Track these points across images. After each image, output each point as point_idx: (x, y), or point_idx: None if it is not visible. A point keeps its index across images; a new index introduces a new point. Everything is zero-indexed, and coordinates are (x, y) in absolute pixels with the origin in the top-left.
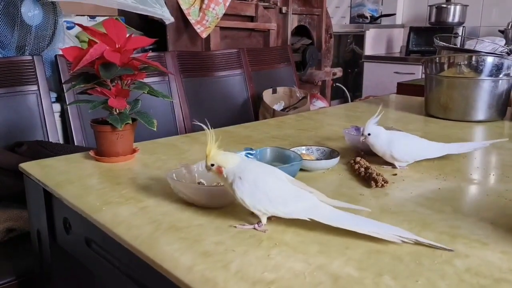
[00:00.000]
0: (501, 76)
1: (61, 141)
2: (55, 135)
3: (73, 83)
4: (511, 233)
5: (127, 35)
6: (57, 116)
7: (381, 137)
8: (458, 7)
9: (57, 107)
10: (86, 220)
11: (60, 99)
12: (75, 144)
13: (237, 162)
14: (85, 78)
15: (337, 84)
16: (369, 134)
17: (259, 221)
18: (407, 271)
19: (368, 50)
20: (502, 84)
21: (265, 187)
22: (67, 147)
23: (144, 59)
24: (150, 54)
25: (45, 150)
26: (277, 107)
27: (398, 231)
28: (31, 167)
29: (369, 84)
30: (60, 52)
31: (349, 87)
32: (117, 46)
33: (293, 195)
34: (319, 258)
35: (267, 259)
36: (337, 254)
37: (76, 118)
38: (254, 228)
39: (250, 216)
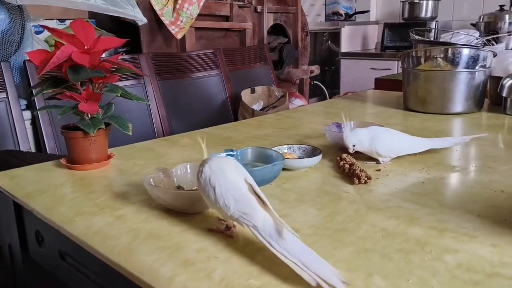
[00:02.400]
0: (477, 67)
1: (33, 150)
2: (26, 144)
3: (40, 88)
4: (499, 225)
5: (96, 36)
6: (28, 123)
7: (366, 139)
8: (430, 2)
9: (27, 114)
10: (58, 232)
11: (30, 106)
12: (48, 152)
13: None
14: (54, 82)
15: (314, 82)
16: (354, 146)
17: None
18: (397, 270)
19: (344, 47)
20: (479, 76)
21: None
22: (39, 155)
23: (116, 61)
24: (123, 56)
25: (15, 159)
26: (256, 106)
27: (326, 270)
28: None
29: (347, 81)
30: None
31: (326, 85)
32: (85, 48)
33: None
34: None
35: (251, 265)
36: (324, 256)
37: (48, 125)
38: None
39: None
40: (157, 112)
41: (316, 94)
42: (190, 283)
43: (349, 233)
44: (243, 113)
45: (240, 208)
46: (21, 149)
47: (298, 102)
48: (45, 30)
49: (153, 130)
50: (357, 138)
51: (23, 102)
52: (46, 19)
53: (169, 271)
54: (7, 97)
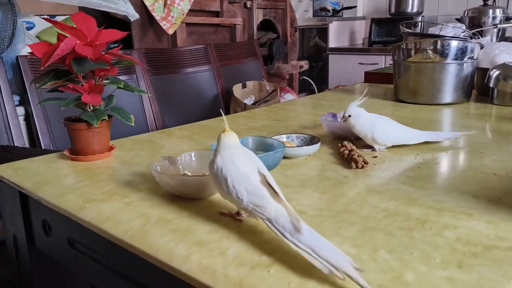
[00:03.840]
0: (465, 59)
1: (27, 146)
2: (21, 140)
3: (44, 80)
4: (493, 204)
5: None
6: (21, 119)
7: (363, 119)
8: None
9: (21, 110)
10: (68, 220)
11: (23, 102)
12: (42, 148)
13: None
14: (56, 74)
15: (303, 77)
16: (349, 116)
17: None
18: (401, 245)
19: (332, 43)
20: (467, 67)
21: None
22: (35, 151)
23: (118, 53)
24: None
25: (11, 155)
26: (248, 101)
27: (340, 258)
28: (2, 170)
29: (335, 76)
30: (21, 53)
31: (314, 80)
32: (88, 40)
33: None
34: None
35: (263, 244)
36: (331, 234)
37: (42, 121)
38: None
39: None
40: (150, 108)
41: (304, 89)
42: (205, 260)
43: (352, 213)
44: (235, 108)
45: (253, 200)
46: (16, 145)
47: (289, 96)
48: (36, 25)
49: (146, 125)
50: (357, 113)
51: (16, 98)
52: (36, 15)
53: (184, 251)
54: (0, 93)
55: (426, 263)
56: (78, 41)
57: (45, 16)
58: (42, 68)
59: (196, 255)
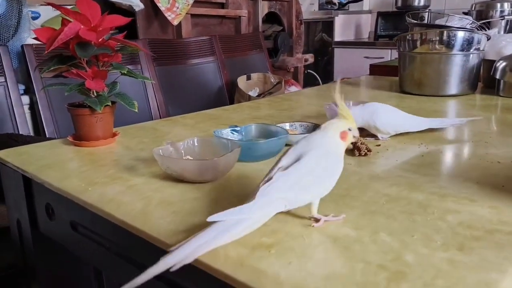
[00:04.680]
0: (471, 50)
1: (32, 134)
2: (25, 128)
3: (48, 65)
4: (497, 191)
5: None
6: (26, 108)
7: (361, 112)
8: None
9: (25, 99)
10: (71, 202)
11: (28, 91)
12: (47, 136)
13: None
14: (60, 59)
15: (308, 71)
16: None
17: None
18: (402, 228)
19: (337, 36)
20: (473, 58)
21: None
22: (40, 139)
23: (121, 39)
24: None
25: (16, 143)
26: (252, 93)
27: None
28: (7, 155)
29: (340, 70)
30: (27, 42)
31: (319, 75)
32: (92, 25)
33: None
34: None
35: (264, 226)
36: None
37: (47, 110)
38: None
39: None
40: (154, 98)
41: (309, 83)
42: None
43: (354, 198)
44: (239, 100)
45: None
46: (21, 133)
47: (293, 89)
48: (41, 15)
49: (150, 115)
50: (355, 111)
51: (21, 87)
52: (42, 4)
53: (185, 232)
54: (6, 81)
55: (427, 245)
56: (82, 26)
57: (49, 6)
58: (46, 52)
59: None
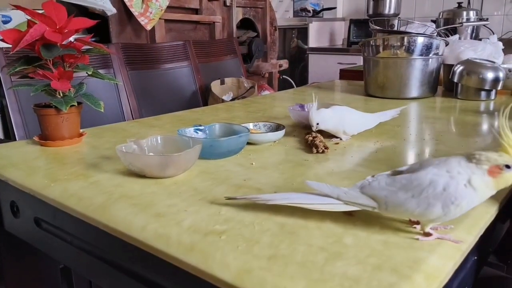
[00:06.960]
0: (431, 55)
1: (1, 138)
2: None
3: (14, 66)
4: None
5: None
6: None
7: (329, 118)
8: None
9: None
10: (34, 199)
11: None
12: (17, 140)
13: None
14: (26, 60)
15: (283, 76)
16: (317, 124)
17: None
18: (344, 218)
19: (312, 43)
20: (432, 63)
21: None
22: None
23: (87, 41)
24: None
25: None
26: (226, 97)
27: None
28: None
29: (315, 75)
30: None
31: (296, 81)
32: (57, 27)
33: None
34: (267, 212)
35: (218, 215)
36: (284, 207)
37: (17, 113)
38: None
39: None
40: (127, 102)
41: (285, 88)
42: (161, 230)
43: (307, 190)
44: (213, 104)
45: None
46: None
47: (267, 94)
48: (13, 19)
49: (123, 120)
50: (321, 117)
51: None
52: (12, 8)
53: (142, 221)
54: None
55: (366, 230)
56: (47, 28)
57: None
58: (11, 53)
59: (153, 225)
